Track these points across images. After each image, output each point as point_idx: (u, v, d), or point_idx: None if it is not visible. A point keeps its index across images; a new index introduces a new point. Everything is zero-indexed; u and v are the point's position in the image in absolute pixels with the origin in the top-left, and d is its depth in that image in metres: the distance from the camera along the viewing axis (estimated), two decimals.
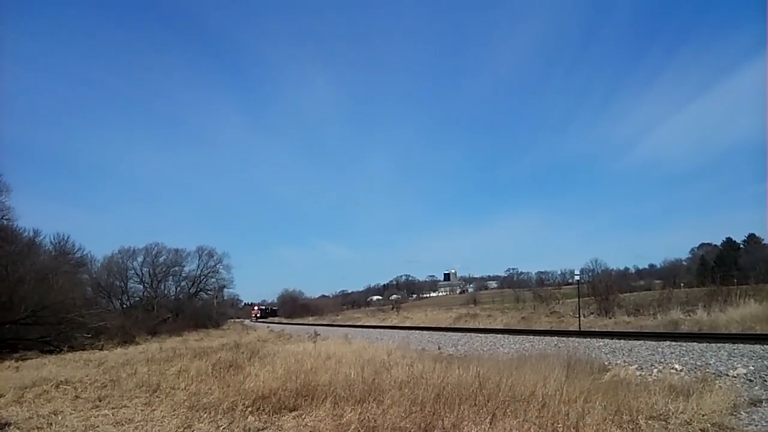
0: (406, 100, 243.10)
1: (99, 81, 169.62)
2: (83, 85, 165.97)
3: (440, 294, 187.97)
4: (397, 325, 44.99)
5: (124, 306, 59.33)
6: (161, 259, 69.45)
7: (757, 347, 12.32)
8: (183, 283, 74.26)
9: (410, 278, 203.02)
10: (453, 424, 6.47)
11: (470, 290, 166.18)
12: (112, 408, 9.41)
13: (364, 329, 41.13)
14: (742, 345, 12.89)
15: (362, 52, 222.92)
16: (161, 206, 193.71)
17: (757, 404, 8.16)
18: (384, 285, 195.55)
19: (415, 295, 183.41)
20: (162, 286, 69.52)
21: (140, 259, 67.34)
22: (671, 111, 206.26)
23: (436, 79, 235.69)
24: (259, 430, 7.22)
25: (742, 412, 7.60)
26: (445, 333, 27.82)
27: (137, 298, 64.02)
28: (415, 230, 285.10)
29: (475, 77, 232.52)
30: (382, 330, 37.30)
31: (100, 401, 10.21)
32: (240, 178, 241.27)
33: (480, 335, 23.73)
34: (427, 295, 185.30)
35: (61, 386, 12.30)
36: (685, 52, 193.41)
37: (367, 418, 7.08)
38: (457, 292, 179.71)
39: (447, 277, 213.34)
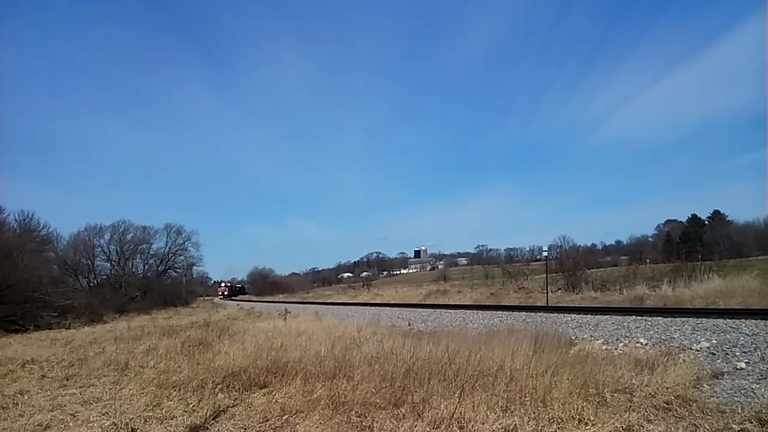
0: (379, 73, 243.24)
1: (69, 58, 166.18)
2: (51, 61, 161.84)
3: (411, 271, 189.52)
4: (367, 302, 45.17)
5: (91, 284, 58.35)
6: (129, 237, 68.39)
7: (720, 321, 12.57)
8: (151, 261, 73.32)
9: (381, 255, 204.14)
10: (422, 399, 6.52)
11: (440, 267, 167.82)
12: (80, 387, 9.32)
13: (335, 306, 41.26)
14: (705, 319, 13.14)
15: (334, 25, 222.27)
16: (129, 183, 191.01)
17: (719, 377, 8.35)
18: (355, 262, 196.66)
19: (385, 272, 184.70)
20: (130, 264, 68.56)
21: (107, 236, 66.19)
22: (643, 86, 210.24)
23: (410, 51, 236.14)
24: (228, 407, 7.20)
25: (704, 385, 7.79)
26: (415, 309, 27.99)
27: (104, 276, 63.00)
28: (386, 207, 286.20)
29: (449, 49, 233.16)
30: (352, 307, 37.41)
31: (68, 380, 10.10)
32: (210, 154, 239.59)
33: (449, 311, 23.93)
34: (398, 272, 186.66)
35: (27, 366, 12.14)
36: (661, 24, 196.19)
37: (337, 393, 7.12)
38: (428, 269, 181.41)
39: (417, 254, 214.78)
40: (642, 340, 11.87)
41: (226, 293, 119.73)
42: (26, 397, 8.62)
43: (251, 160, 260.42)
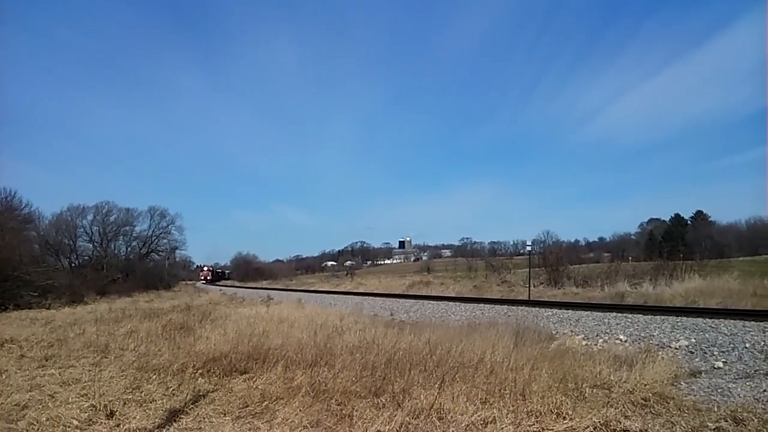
0: (372, 61, 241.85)
1: (56, 34, 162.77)
2: (38, 37, 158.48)
3: (395, 261, 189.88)
4: (350, 290, 45.20)
5: (73, 265, 58.01)
6: (112, 218, 68.03)
7: (699, 320, 12.70)
8: (134, 244, 73.08)
9: (365, 245, 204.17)
10: (403, 389, 6.54)
11: (424, 258, 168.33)
12: (59, 368, 9.26)
13: (318, 294, 41.25)
14: (685, 318, 13.27)
15: (328, 11, 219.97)
16: (113, 164, 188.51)
17: (697, 375, 8.46)
18: (339, 251, 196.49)
19: (369, 262, 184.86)
20: (112, 246, 68.28)
21: (90, 217, 65.75)
22: (634, 82, 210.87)
23: (404, 39, 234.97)
24: (209, 392, 7.19)
25: (682, 383, 7.87)
26: (398, 300, 28.05)
27: (86, 258, 62.63)
28: (372, 197, 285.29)
29: (443, 39, 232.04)
30: (335, 295, 37.45)
31: (47, 361, 10.04)
32: (196, 138, 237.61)
33: (432, 302, 24.02)
34: (382, 262, 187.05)
35: (5, 345, 12.05)
36: (655, 20, 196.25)
37: (317, 381, 7.13)
38: (412, 259, 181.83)
39: (402, 244, 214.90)
40: (622, 337, 11.98)
41: (209, 278, 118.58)
42: (4, 377, 8.56)
43: (238, 145, 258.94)
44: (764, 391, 7.22)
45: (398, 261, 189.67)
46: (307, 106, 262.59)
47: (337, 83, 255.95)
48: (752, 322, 11.88)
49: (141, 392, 7.25)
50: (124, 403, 6.65)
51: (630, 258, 46.71)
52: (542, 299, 23.21)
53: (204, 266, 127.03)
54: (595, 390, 6.77)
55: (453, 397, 6.14)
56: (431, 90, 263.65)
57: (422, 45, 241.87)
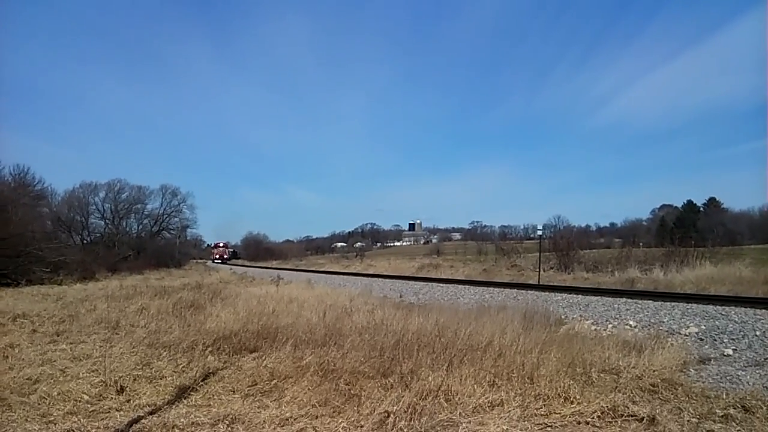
0: (385, 38, 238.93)
1: (65, 7, 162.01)
2: (48, 10, 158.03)
3: (404, 243, 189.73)
4: (360, 272, 45.24)
5: (85, 242, 58.49)
6: (124, 196, 68.34)
7: (710, 308, 12.65)
8: (145, 221, 73.49)
9: (375, 227, 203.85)
10: (411, 370, 6.56)
11: (434, 241, 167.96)
12: (70, 343, 9.35)
13: (328, 275, 41.32)
14: (695, 305, 13.21)
15: None
16: (125, 141, 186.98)
17: (706, 362, 8.42)
18: (349, 232, 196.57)
19: (379, 244, 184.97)
20: (124, 223, 68.73)
21: (102, 194, 66.11)
22: (647, 69, 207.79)
23: (417, 18, 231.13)
24: (218, 369, 7.24)
25: (691, 370, 7.85)
26: (407, 282, 28.05)
27: (98, 235, 63.13)
28: (383, 178, 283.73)
29: (457, 17, 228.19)
30: (345, 276, 37.52)
31: (58, 336, 10.13)
32: (206, 114, 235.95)
33: (441, 285, 24.00)
34: (392, 244, 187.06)
35: (18, 319, 12.17)
36: (669, 8, 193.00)
37: (326, 361, 7.16)
38: (421, 242, 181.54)
39: (412, 227, 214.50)
40: (631, 323, 11.94)
41: (224, 257, 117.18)
42: (16, 351, 8.65)
43: (248, 123, 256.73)
44: None
45: (408, 243, 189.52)
46: (317, 84, 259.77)
47: (348, 60, 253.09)
48: (763, 310, 11.82)
49: (151, 369, 7.31)
50: (134, 379, 6.70)
51: (641, 244, 46.60)
52: (552, 284, 23.14)
53: (218, 244, 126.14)
54: (603, 375, 6.74)
55: (461, 379, 6.16)
56: (444, 70, 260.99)
57: (436, 24, 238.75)
